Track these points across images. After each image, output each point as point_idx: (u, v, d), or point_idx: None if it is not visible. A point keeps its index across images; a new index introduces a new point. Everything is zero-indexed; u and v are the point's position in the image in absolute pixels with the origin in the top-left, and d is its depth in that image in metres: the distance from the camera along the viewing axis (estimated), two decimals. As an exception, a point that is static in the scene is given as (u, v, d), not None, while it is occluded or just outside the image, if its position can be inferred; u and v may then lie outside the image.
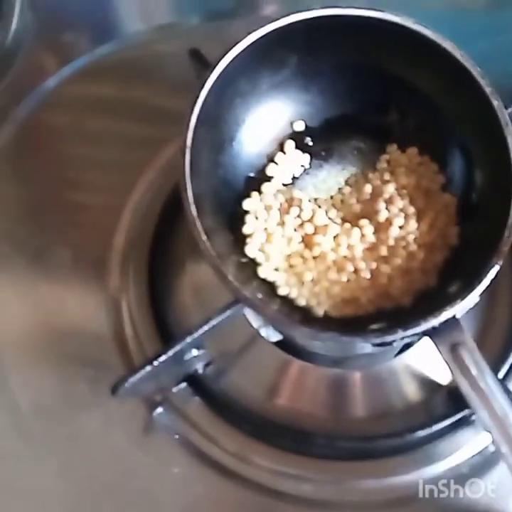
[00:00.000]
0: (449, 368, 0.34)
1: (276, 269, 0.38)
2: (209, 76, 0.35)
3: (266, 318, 0.33)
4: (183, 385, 0.41)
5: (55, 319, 0.45)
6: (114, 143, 0.51)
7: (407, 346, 0.41)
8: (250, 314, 0.41)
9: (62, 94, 0.53)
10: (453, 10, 0.56)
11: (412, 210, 0.39)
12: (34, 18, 0.56)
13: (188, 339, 0.36)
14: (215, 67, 0.35)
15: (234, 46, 0.35)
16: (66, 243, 0.47)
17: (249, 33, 0.36)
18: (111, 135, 0.51)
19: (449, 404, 0.40)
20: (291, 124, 0.41)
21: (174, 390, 0.40)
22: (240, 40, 0.35)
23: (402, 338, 0.33)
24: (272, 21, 0.36)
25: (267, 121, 0.41)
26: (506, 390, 0.34)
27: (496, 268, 0.34)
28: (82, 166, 0.50)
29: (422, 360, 0.41)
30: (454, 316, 0.33)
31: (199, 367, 0.41)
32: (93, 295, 0.45)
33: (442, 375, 0.41)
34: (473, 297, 0.33)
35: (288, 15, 0.36)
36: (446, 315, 0.33)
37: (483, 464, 0.39)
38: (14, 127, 0.51)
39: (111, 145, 0.51)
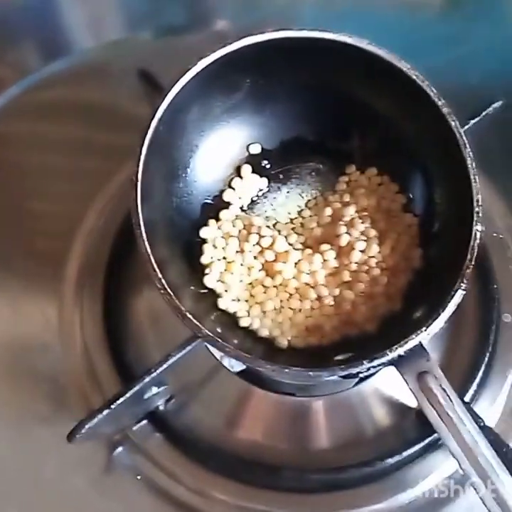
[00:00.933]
0: (416, 397, 0.33)
1: (237, 300, 0.37)
2: (160, 104, 0.33)
3: (227, 355, 0.32)
4: (144, 422, 0.39)
5: (6, 350, 0.43)
6: (73, 152, 0.50)
7: (372, 372, 0.40)
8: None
9: (18, 105, 0.52)
10: (408, 22, 0.55)
11: (373, 232, 0.38)
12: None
13: (147, 378, 0.34)
14: (166, 95, 0.34)
15: (184, 73, 0.34)
16: (17, 272, 0.45)
17: (200, 59, 0.34)
18: (69, 144, 0.50)
19: (418, 427, 0.39)
20: (247, 147, 0.40)
21: (134, 428, 0.39)
22: (191, 67, 0.34)
23: (368, 369, 0.32)
24: (224, 46, 0.34)
25: (222, 146, 0.40)
26: (474, 417, 0.33)
27: (460, 293, 0.33)
28: (42, 175, 0.49)
29: (389, 383, 0.40)
30: (419, 344, 0.33)
31: (160, 403, 0.39)
32: (47, 329, 0.43)
33: (410, 397, 0.40)
34: (439, 324, 0.33)
35: (239, 38, 0.34)
36: (411, 343, 0.32)
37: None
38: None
39: (70, 154, 0.49)
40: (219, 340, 0.32)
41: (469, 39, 0.56)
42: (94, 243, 0.45)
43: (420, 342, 0.33)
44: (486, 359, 0.41)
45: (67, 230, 0.46)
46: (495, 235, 0.45)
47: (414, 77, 0.35)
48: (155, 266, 0.32)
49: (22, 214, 0.48)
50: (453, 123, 0.35)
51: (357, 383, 0.40)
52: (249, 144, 0.40)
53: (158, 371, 0.34)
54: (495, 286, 0.43)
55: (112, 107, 0.52)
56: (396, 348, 0.32)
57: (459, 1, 0.60)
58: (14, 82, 0.53)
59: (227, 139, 0.40)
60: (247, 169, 0.40)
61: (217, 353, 0.40)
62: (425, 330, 0.32)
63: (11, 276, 0.45)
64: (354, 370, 0.32)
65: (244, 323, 0.37)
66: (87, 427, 0.33)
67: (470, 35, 0.56)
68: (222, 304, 0.37)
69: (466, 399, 0.39)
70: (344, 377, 0.34)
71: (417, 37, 0.54)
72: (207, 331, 0.32)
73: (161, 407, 0.39)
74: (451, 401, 0.33)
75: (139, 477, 0.39)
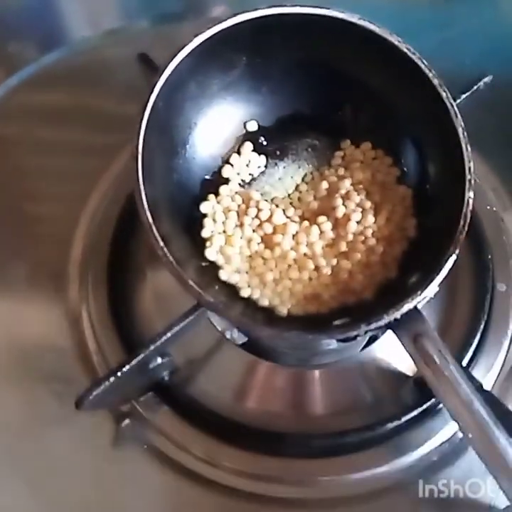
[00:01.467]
0: (413, 359, 0.34)
1: (238, 271, 0.38)
2: (157, 81, 0.34)
3: (230, 321, 0.33)
4: (150, 394, 0.40)
5: (15, 334, 0.44)
6: (66, 152, 0.50)
7: (371, 340, 0.41)
8: (215, 318, 0.40)
9: (10, 104, 0.52)
10: (400, 6, 0.56)
11: (368, 204, 0.39)
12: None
13: (152, 347, 0.35)
14: (162, 72, 0.35)
15: (181, 49, 0.35)
16: (21, 256, 0.46)
17: (196, 36, 0.35)
18: (63, 144, 0.50)
19: (416, 394, 0.40)
20: (244, 124, 0.41)
21: (141, 399, 0.40)
22: (187, 43, 0.35)
23: (366, 332, 0.34)
24: (218, 23, 0.35)
25: (220, 123, 0.41)
26: (470, 377, 0.34)
27: (453, 258, 0.34)
28: (35, 176, 0.49)
29: (388, 352, 0.41)
30: (415, 307, 0.34)
31: (165, 375, 0.40)
32: (53, 308, 0.44)
33: (408, 365, 0.41)
34: (433, 287, 0.34)
35: (233, 15, 0.35)
36: (407, 307, 0.33)
37: (452, 452, 0.40)
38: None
39: (63, 154, 0.50)
40: (221, 307, 0.33)
41: (459, 21, 0.56)
42: (97, 226, 0.46)
43: (415, 306, 0.34)
44: (482, 327, 0.42)
45: (72, 211, 0.46)
46: (488, 207, 0.46)
47: (405, 49, 0.36)
48: (158, 236, 0.33)
49: (21, 214, 0.48)
50: (444, 93, 0.36)
51: (359, 351, 0.41)
52: (246, 121, 0.41)
53: (162, 340, 0.35)
54: (489, 256, 0.44)
55: (107, 101, 0.52)
56: (392, 312, 0.33)
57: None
58: (4, 79, 0.53)
59: (224, 116, 0.41)
60: (247, 147, 0.41)
61: (220, 326, 0.41)
62: (420, 294, 0.33)
63: (17, 265, 0.46)
64: (352, 333, 0.33)
65: (244, 293, 0.38)
66: (94, 393, 0.34)
67: (460, 17, 0.57)
68: (224, 275, 0.38)
69: (463, 364, 0.40)
70: (342, 340, 0.35)
71: (408, 20, 0.55)
72: (209, 298, 0.33)
73: (167, 379, 0.40)
74: (446, 361, 0.34)
75: (145, 447, 0.40)
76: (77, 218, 0.47)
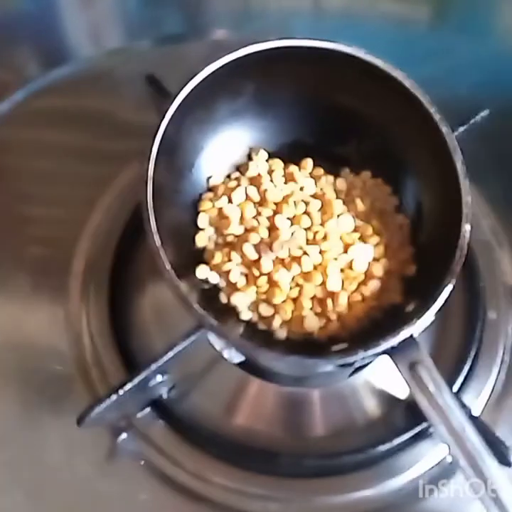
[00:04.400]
0: (408, 385, 0.35)
1: (239, 294, 0.39)
2: (169, 107, 0.35)
3: (231, 344, 0.34)
4: (147, 410, 0.41)
5: (15, 346, 0.44)
6: (73, 159, 0.51)
7: (365, 363, 0.42)
8: (213, 337, 0.41)
9: (19, 112, 0.53)
10: (399, 35, 0.58)
11: (370, 232, 0.40)
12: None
13: (153, 366, 0.36)
14: (175, 98, 0.36)
15: (193, 77, 0.36)
16: (24, 266, 0.47)
17: (208, 64, 0.36)
18: (69, 151, 0.51)
19: (408, 417, 0.41)
20: (250, 149, 0.42)
21: (138, 415, 0.40)
22: (199, 71, 0.36)
23: (363, 358, 0.34)
24: (230, 52, 0.36)
25: (225, 147, 0.41)
26: (462, 405, 0.35)
27: (450, 287, 0.35)
28: (42, 181, 0.50)
29: (380, 375, 0.43)
30: (411, 335, 0.35)
31: (163, 392, 0.41)
32: (53, 320, 0.44)
33: (400, 389, 0.42)
34: (429, 316, 0.35)
35: (245, 46, 0.37)
36: (404, 334, 0.35)
37: (441, 475, 0.40)
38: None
39: (70, 161, 0.51)
40: (223, 330, 0.34)
41: (456, 52, 0.58)
42: (100, 242, 0.46)
43: (412, 334, 0.35)
44: (473, 353, 0.43)
45: (73, 231, 0.47)
46: (481, 238, 0.47)
47: (409, 85, 0.38)
48: (165, 260, 0.33)
49: (26, 218, 0.49)
50: (444, 129, 0.37)
51: (350, 375, 0.42)
52: (251, 147, 0.42)
53: (164, 359, 0.36)
54: (481, 285, 0.45)
55: (112, 113, 0.53)
56: (389, 339, 0.34)
57: (446, 15, 0.63)
58: (16, 88, 0.54)
59: (230, 140, 0.42)
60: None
61: (218, 345, 0.42)
62: (417, 322, 0.35)
63: (19, 275, 0.46)
64: (350, 359, 0.34)
65: (245, 316, 0.39)
66: (95, 411, 0.35)
67: (457, 48, 0.58)
68: (223, 297, 0.39)
69: (454, 389, 0.41)
70: (340, 366, 0.36)
71: (406, 50, 0.56)
72: (213, 321, 0.34)
73: (164, 396, 0.41)
74: (440, 390, 0.35)
75: (142, 462, 0.40)
76: (80, 229, 0.47)
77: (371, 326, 0.38)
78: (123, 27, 0.62)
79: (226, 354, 0.42)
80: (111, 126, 0.52)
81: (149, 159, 0.34)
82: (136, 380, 0.36)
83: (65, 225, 0.48)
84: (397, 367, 0.35)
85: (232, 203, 0.40)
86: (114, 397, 0.35)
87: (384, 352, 0.35)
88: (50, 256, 0.47)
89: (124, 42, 0.60)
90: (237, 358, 0.42)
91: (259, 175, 0.41)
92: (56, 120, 0.52)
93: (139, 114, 0.48)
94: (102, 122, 0.52)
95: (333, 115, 0.41)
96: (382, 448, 0.40)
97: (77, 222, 0.47)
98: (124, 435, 0.41)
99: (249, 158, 0.42)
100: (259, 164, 0.42)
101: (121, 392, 0.35)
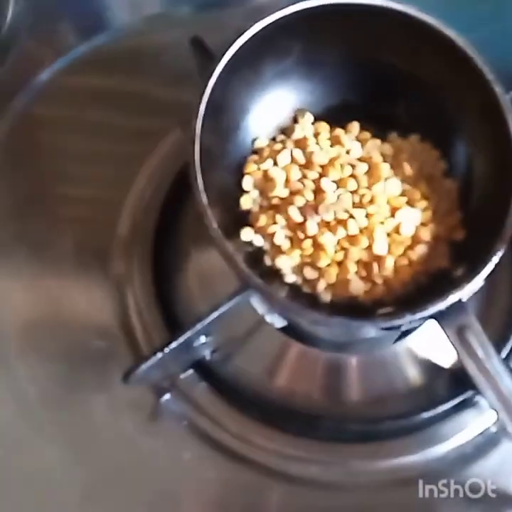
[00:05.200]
0: (456, 350, 0.35)
1: (283, 256, 0.39)
2: (216, 66, 0.35)
3: (277, 305, 0.34)
4: (190, 371, 0.41)
5: (61, 310, 0.45)
6: (112, 135, 0.50)
7: (408, 331, 0.42)
8: (256, 301, 0.41)
9: (57, 86, 0.52)
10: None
11: (417, 196, 0.39)
12: (27, 10, 0.55)
13: (198, 326, 0.36)
14: (221, 57, 0.35)
15: (240, 35, 0.36)
16: (68, 235, 0.47)
17: (254, 23, 0.36)
18: (108, 127, 0.51)
19: (451, 386, 0.41)
20: (296, 111, 0.42)
21: (181, 376, 0.41)
22: (245, 30, 0.36)
23: (410, 322, 0.34)
24: (277, 10, 0.36)
25: (271, 109, 0.41)
26: (511, 371, 0.35)
27: (500, 253, 0.35)
28: (82, 159, 0.49)
29: (423, 343, 0.42)
30: (459, 300, 0.34)
31: (206, 353, 0.41)
32: (98, 285, 0.45)
33: (444, 358, 0.42)
34: (479, 281, 0.34)
35: (291, 4, 0.36)
36: (452, 298, 0.34)
37: (485, 444, 0.40)
38: (9, 121, 0.51)
39: (109, 137, 0.50)
40: (268, 289, 0.34)
41: (509, 15, 0.56)
42: (143, 207, 0.47)
43: (460, 298, 0.34)
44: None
45: (118, 192, 0.47)
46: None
47: (462, 44, 0.36)
48: (212, 220, 0.33)
49: (71, 177, 0.49)
50: (498, 89, 0.36)
51: (393, 343, 0.42)
52: (296, 109, 0.42)
53: (208, 319, 0.36)
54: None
55: (147, 91, 0.52)
56: (437, 303, 0.34)
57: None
58: (52, 62, 0.53)
59: (276, 102, 0.41)
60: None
61: (261, 309, 0.42)
62: (466, 287, 0.34)
63: (61, 239, 0.46)
64: (397, 322, 0.34)
65: (289, 279, 0.38)
66: (141, 368, 0.35)
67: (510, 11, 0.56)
68: (268, 260, 0.39)
69: (503, 355, 0.41)
70: (385, 329, 0.36)
71: (459, 12, 0.55)
72: (258, 280, 0.34)
73: (207, 357, 0.41)
74: (489, 355, 0.34)
75: (185, 422, 0.41)
76: (123, 198, 0.47)
77: (418, 291, 0.38)
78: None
79: (269, 318, 0.42)
80: (151, 101, 0.51)
81: (197, 118, 0.34)
82: (181, 339, 0.36)
83: (110, 186, 0.48)
84: (445, 332, 0.35)
85: (277, 165, 0.40)
86: (159, 355, 0.36)
87: (432, 316, 0.34)
88: (93, 218, 0.47)
89: (163, 7, 0.59)
90: (280, 322, 0.42)
91: (304, 137, 0.40)
92: (92, 97, 0.52)
93: (175, 92, 0.47)
94: (142, 95, 0.51)
95: (382, 76, 0.40)
96: (425, 415, 0.40)
97: (122, 183, 0.47)
98: (167, 396, 0.41)
99: (295, 121, 0.42)
100: (305, 127, 0.41)
101: (166, 350, 0.36)
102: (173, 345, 0.36)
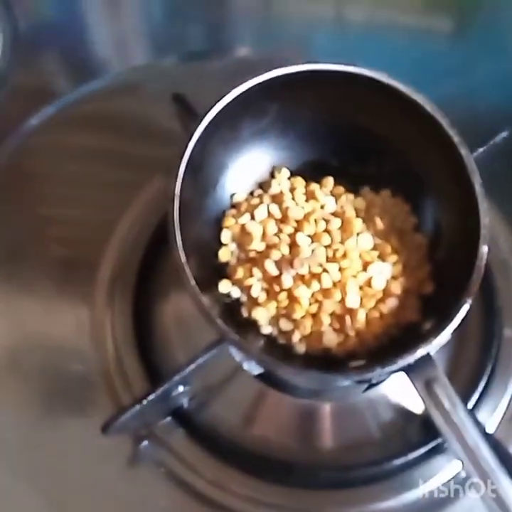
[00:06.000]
0: (424, 402, 0.36)
1: (259, 307, 0.40)
2: (196, 128, 0.37)
3: (252, 358, 0.35)
4: (168, 418, 0.42)
5: (40, 348, 0.45)
6: (96, 184, 0.52)
7: (381, 380, 0.43)
8: (233, 350, 0.42)
9: (42, 138, 0.54)
10: (418, 54, 0.59)
11: (388, 250, 0.41)
12: (15, 59, 0.57)
13: (176, 377, 0.37)
14: (202, 120, 0.37)
15: (220, 99, 0.37)
16: (51, 277, 0.48)
17: (235, 86, 0.37)
18: (92, 177, 0.52)
19: (423, 432, 0.42)
20: (273, 167, 0.44)
21: (159, 423, 0.42)
22: (226, 93, 0.37)
23: (380, 375, 0.35)
24: (256, 76, 0.38)
25: (249, 166, 0.43)
26: (477, 422, 0.36)
27: (467, 307, 0.36)
28: (66, 205, 0.51)
29: (395, 390, 0.43)
30: (428, 353, 0.36)
31: (184, 401, 0.42)
32: (78, 325, 0.46)
33: (415, 404, 0.43)
34: (446, 335, 0.36)
35: (270, 70, 0.38)
36: (420, 352, 0.35)
37: (457, 489, 0.41)
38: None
39: (93, 186, 0.52)
40: (245, 344, 0.35)
41: (476, 70, 0.58)
42: (127, 249, 0.48)
43: (428, 352, 0.36)
44: (488, 370, 0.44)
45: (101, 236, 0.48)
46: (500, 256, 0.48)
47: (429, 109, 0.38)
48: (190, 276, 0.35)
49: (57, 221, 0.51)
50: (464, 151, 0.38)
51: (366, 390, 0.43)
52: (274, 165, 0.44)
53: (186, 371, 0.37)
54: (498, 303, 0.46)
55: (141, 122, 0.54)
56: (406, 357, 0.35)
57: (467, 31, 0.63)
58: (46, 100, 0.55)
59: (253, 159, 0.43)
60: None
61: (238, 357, 0.43)
62: (433, 340, 0.35)
63: (45, 279, 0.47)
64: (367, 376, 0.35)
65: (265, 330, 0.40)
66: (120, 420, 0.36)
67: (477, 67, 0.59)
68: (244, 311, 0.40)
69: (469, 406, 0.42)
70: (357, 381, 0.37)
71: (427, 67, 0.57)
72: (235, 336, 0.35)
73: (185, 405, 0.42)
74: (455, 407, 0.36)
75: (162, 469, 0.41)
76: (106, 242, 0.48)
77: (389, 343, 0.39)
78: (149, 44, 0.63)
79: (246, 366, 0.43)
80: (142, 134, 0.53)
81: (176, 178, 0.36)
82: (159, 391, 0.37)
83: (93, 231, 0.49)
84: (413, 384, 0.36)
85: (254, 219, 0.41)
86: (137, 406, 0.37)
87: (401, 369, 0.36)
88: (76, 260, 0.48)
89: (150, 58, 0.61)
90: (256, 369, 0.43)
91: (281, 192, 0.42)
92: (88, 128, 0.54)
93: (167, 124, 0.49)
94: (133, 130, 0.54)
95: (354, 135, 0.42)
96: (397, 462, 0.41)
97: (105, 228, 0.49)
98: (145, 443, 0.42)
99: (272, 176, 0.44)
100: (281, 182, 0.43)
101: (144, 402, 0.37)
102: (151, 396, 0.37)
